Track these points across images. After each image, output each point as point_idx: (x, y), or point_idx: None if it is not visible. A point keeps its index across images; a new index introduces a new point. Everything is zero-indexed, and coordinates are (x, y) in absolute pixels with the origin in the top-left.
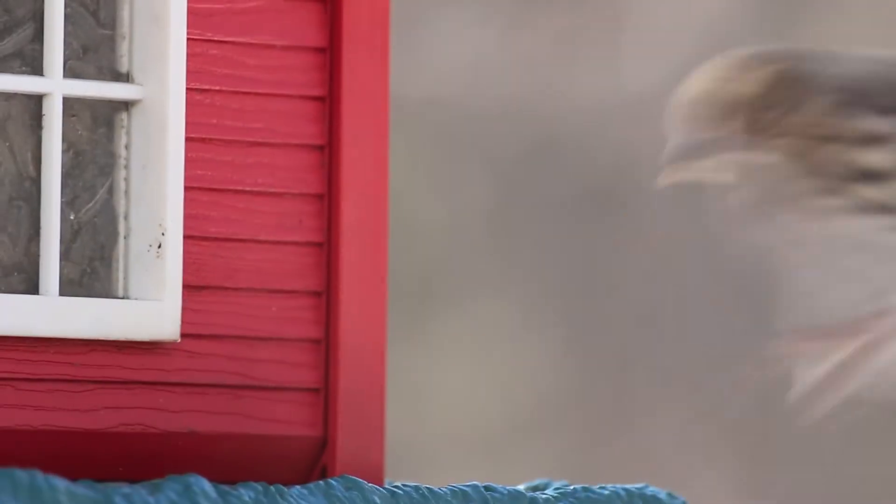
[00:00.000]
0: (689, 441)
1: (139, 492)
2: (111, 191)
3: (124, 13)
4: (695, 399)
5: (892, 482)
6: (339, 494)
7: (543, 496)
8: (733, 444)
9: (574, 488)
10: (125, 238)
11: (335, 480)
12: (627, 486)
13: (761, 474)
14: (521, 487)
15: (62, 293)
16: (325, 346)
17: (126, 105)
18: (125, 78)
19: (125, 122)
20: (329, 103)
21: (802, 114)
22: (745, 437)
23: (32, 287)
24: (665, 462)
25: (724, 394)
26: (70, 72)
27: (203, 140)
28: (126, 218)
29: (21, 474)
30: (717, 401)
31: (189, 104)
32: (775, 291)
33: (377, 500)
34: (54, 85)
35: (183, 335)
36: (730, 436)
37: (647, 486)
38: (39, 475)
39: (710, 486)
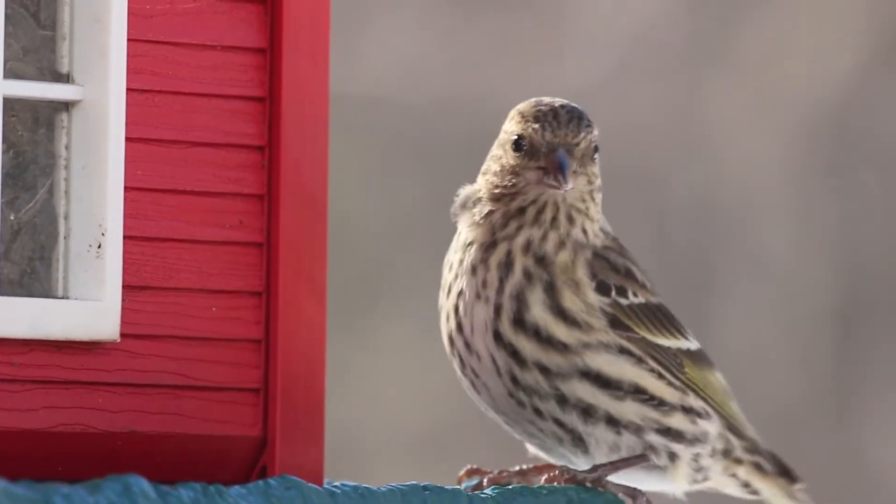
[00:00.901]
0: None
1: (79, 492)
2: (51, 191)
3: (65, 14)
4: None
5: None
6: (279, 494)
7: (482, 495)
8: None
9: (513, 487)
10: (65, 238)
11: (274, 480)
12: (569, 485)
13: None
14: (460, 487)
15: (1, 293)
16: (265, 346)
17: (66, 106)
18: (66, 79)
19: (66, 123)
20: (269, 104)
21: None
22: None
23: None
24: None
25: None
26: (10, 72)
27: (143, 140)
28: (66, 218)
29: None
30: None
31: (129, 105)
32: None
33: (316, 500)
34: None
35: (123, 335)
36: None
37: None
38: None
39: None
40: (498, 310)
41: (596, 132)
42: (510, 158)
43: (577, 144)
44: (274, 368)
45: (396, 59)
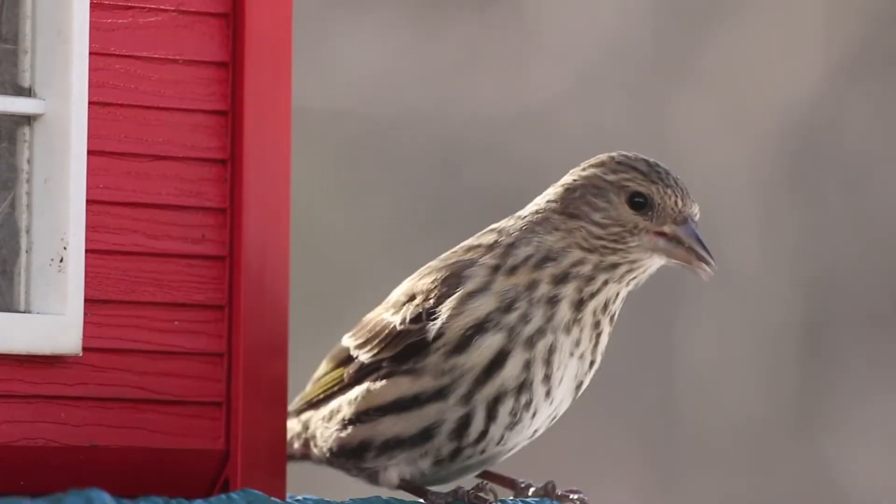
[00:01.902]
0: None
1: None
2: (13, 205)
3: (27, 28)
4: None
5: None
6: None
7: None
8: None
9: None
10: (27, 252)
11: (237, 494)
12: (529, 500)
13: None
14: (422, 501)
15: None
16: (228, 359)
17: (28, 119)
18: (27, 92)
19: (27, 137)
20: (231, 117)
21: None
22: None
23: None
24: (573, 464)
25: None
26: None
27: (105, 154)
28: (28, 232)
29: None
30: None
31: (91, 118)
32: None
33: None
34: None
35: (85, 349)
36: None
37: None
38: None
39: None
40: (591, 364)
41: None
42: (625, 213)
43: (697, 216)
44: (236, 382)
45: (361, 72)
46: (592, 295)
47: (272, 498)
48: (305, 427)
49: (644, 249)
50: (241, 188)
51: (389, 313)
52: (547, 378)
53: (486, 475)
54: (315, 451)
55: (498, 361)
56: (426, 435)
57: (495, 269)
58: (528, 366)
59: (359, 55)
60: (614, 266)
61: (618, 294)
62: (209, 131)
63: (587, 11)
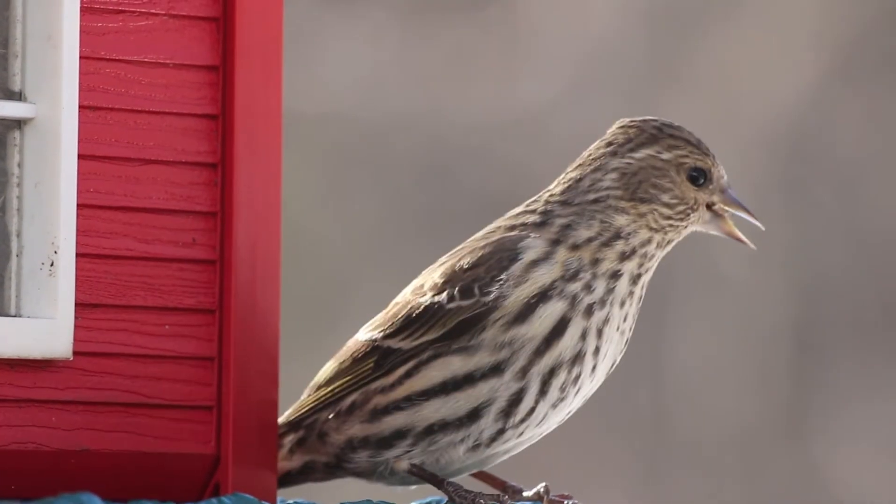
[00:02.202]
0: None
1: None
2: (4, 209)
3: (17, 32)
4: None
5: None
6: None
7: None
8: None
9: None
10: (18, 256)
11: (227, 498)
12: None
13: None
14: None
15: None
16: (219, 363)
17: (19, 123)
18: (18, 97)
19: (18, 141)
20: (222, 121)
21: None
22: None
23: None
24: (564, 469)
25: None
26: None
27: (96, 158)
28: (19, 236)
29: None
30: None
31: (82, 122)
32: None
33: None
34: None
35: (76, 353)
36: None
37: None
38: None
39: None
40: (626, 342)
41: None
42: (687, 190)
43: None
44: (227, 386)
45: (352, 76)
46: (648, 270)
47: (263, 502)
48: (309, 431)
49: (700, 222)
50: (232, 192)
51: (428, 296)
52: (597, 351)
53: (479, 476)
54: (326, 449)
55: (558, 330)
56: (474, 415)
57: (555, 242)
58: (584, 335)
59: (349, 59)
60: (670, 242)
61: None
62: (200, 135)
63: (579, 16)
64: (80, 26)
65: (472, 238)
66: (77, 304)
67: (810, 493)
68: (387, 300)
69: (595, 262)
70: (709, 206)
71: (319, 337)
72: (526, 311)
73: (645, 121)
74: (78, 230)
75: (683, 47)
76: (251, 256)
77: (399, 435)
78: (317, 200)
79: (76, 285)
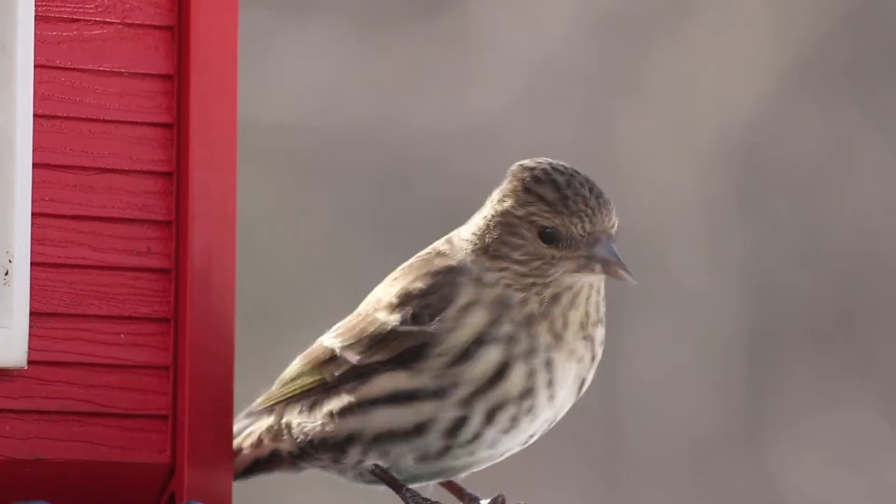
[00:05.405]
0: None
1: None
2: None
3: None
4: None
5: None
6: None
7: None
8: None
9: None
10: None
11: None
12: None
13: None
14: None
15: None
16: (173, 372)
17: None
18: None
19: None
20: (177, 130)
21: None
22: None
23: None
24: (517, 479)
25: None
26: None
27: (51, 167)
28: None
29: None
30: None
31: (36, 131)
32: None
33: None
34: None
35: (30, 362)
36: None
37: None
38: None
39: None
40: (592, 360)
41: None
42: (539, 247)
43: (613, 227)
44: (182, 395)
45: (306, 85)
46: (564, 318)
47: None
48: (279, 419)
49: (570, 274)
50: (187, 201)
51: (383, 314)
52: (550, 383)
53: (443, 484)
54: (288, 444)
55: (501, 373)
56: (419, 430)
57: (478, 280)
58: (531, 374)
59: (304, 68)
60: (556, 296)
61: (587, 300)
62: (155, 144)
63: (532, 26)
64: (35, 35)
65: (425, 252)
66: (32, 314)
67: (765, 502)
68: (343, 309)
69: (523, 301)
70: (579, 258)
71: (275, 346)
72: (465, 354)
73: (528, 168)
74: (33, 239)
75: (637, 56)
76: (206, 265)
77: (351, 439)
78: (272, 209)
79: (31, 294)
